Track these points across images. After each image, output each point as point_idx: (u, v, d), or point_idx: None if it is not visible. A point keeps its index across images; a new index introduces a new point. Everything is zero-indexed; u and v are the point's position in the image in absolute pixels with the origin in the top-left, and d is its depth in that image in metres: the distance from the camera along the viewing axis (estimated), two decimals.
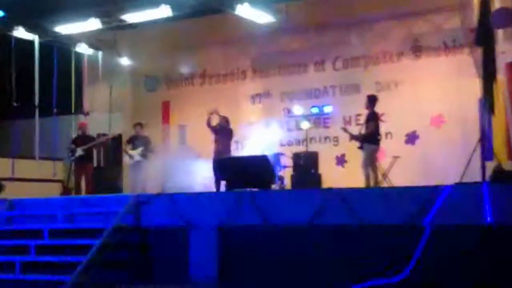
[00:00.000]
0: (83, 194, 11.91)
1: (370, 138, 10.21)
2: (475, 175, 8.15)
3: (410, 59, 12.69)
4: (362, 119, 12.90)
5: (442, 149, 11.67)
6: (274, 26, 13.40)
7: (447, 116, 12.06)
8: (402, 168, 11.19)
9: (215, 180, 11.25)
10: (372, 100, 10.47)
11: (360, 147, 10.37)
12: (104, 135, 13.31)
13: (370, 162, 10.14)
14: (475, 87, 9.16)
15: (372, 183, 9.98)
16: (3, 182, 11.97)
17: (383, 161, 11.07)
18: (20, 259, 8.34)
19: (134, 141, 12.46)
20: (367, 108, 10.48)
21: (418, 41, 12.57)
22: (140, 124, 12.68)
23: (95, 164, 13.67)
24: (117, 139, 13.60)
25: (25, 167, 13.84)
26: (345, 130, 11.21)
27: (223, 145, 11.53)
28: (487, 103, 8.49)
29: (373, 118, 10.27)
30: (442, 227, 6.62)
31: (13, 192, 11.38)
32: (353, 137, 10.75)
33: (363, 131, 10.47)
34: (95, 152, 13.42)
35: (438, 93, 12.08)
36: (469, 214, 6.53)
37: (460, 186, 7.14)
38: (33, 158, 14.38)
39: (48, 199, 10.04)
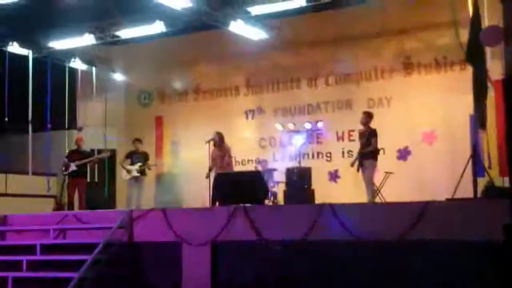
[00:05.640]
0: (76, 209, 11.86)
1: (373, 155, 10.24)
2: (466, 191, 8.23)
3: (401, 76, 12.80)
4: (356, 136, 13.01)
5: (434, 165, 11.75)
6: (267, 42, 13.50)
7: (438, 132, 12.14)
8: (395, 184, 11.23)
9: (212, 196, 11.04)
10: (371, 117, 10.49)
11: (360, 165, 10.25)
12: (99, 151, 13.29)
13: (372, 178, 10.19)
14: (466, 103, 9.25)
15: (373, 199, 10.04)
16: None
17: (376, 177, 11.09)
18: (12, 275, 8.29)
19: (132, 156, 12.50)
20: (364, 124, 10.46)
21: (410, 58, 12.69)
22: (139, 140, 12.72)
23: (89, 179, 13.63)
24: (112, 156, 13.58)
25: (18, 183, 13.81)
26: (352, 164, 10.63)
27: (220, 161, 11.35)
28: (478, 119, 8.57)
29: (375, 135, 10.27)
30: (434, 242, 6.66)
31: (6, 207, 11.35)
32: (361, 157, 10.26)
33: (360, 147, 10.43)
34: (89, 167, 13.39)
35: (430, 109, 12.18)
36: (460, 230, 6.56)
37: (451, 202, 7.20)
38: (26, 173, 14.34)
39: (40, 214, 10.01)
